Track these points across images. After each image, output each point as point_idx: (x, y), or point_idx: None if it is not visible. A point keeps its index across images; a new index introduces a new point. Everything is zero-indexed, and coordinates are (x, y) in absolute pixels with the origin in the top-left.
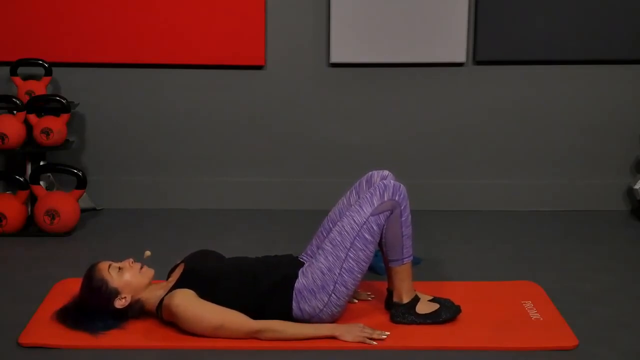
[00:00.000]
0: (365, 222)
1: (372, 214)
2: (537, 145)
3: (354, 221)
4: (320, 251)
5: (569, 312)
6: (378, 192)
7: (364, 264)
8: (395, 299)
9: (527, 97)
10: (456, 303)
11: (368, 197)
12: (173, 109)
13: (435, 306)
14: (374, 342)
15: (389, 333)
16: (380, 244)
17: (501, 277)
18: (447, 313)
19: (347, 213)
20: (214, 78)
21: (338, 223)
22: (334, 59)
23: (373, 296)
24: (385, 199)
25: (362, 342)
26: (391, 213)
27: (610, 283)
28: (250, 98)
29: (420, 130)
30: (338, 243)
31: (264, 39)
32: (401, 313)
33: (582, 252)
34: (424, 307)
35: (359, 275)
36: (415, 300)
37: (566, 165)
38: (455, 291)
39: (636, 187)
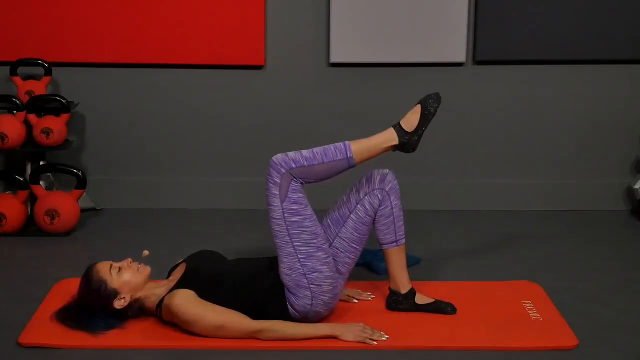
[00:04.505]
0: (282, 211)
1: (282, 201)
2: (537, 145)
3: (275, 218)
4: (278, 258)
5: (569, 312)
6: (269, 182)
7: (314, 241)
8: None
9: (527, 97)
10: (456, 303)
11: (267, 193)
12: (173, 109)
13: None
14: (375, 343)
15: (389, 337)
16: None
17: (501, 277)
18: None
19: (268, 217)
20: (214, 78)
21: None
22: (334, 59)
23: (373, 296)
24: (279, 180)
25: (363, 342)
26: (294, 179)
27: (610, 283)
28: (250, 98)
29: None
30: (280, 244)
31: (264, 39)
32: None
33: (582, 252)
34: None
35: (320, 254)
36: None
37: (566, 165)
38: (455, 291)
39: (636, 187)
